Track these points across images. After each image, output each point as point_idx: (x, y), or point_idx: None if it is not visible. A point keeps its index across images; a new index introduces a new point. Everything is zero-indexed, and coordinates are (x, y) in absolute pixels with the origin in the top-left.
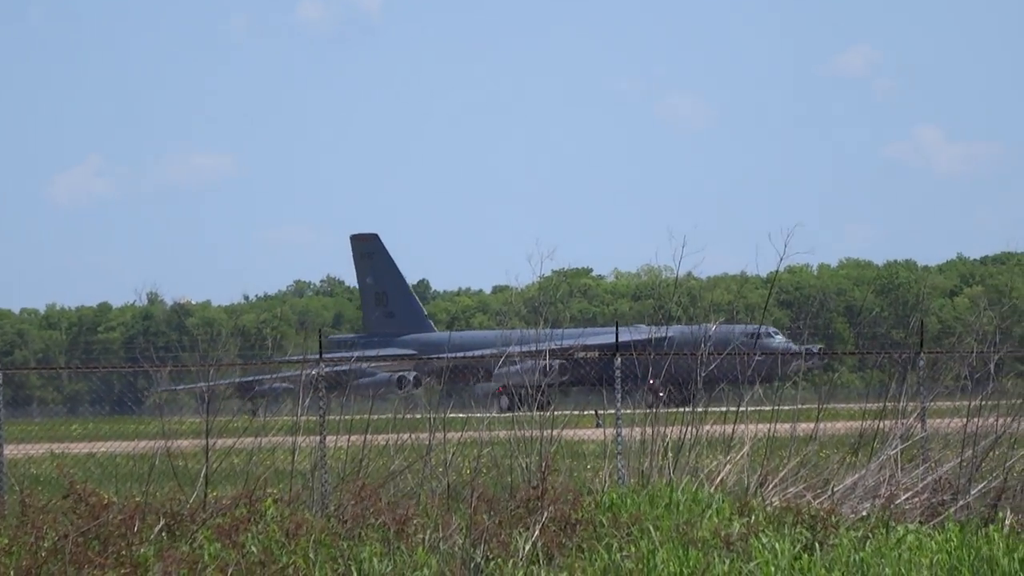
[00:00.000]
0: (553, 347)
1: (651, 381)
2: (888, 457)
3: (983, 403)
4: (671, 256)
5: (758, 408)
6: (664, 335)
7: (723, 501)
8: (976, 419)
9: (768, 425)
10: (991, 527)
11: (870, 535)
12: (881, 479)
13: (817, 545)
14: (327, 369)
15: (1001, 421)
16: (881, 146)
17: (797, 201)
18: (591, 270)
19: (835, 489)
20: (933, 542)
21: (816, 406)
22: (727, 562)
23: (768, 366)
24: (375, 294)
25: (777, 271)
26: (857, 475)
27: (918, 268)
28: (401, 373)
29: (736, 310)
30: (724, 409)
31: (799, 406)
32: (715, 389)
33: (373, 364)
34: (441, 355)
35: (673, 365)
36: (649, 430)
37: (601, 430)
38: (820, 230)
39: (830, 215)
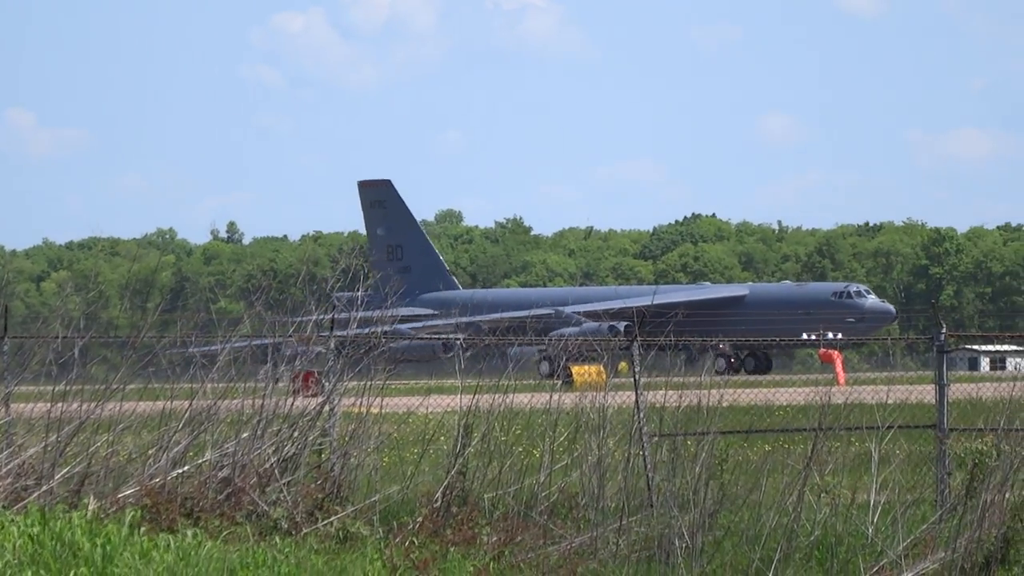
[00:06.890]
0: (620, 306)
1: (720, 346)
2: None
3: (68, 388)
4: None
5: None
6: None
7: None
8: (61, 404)
9: None
10: (75, 512)
11: None
12: None
13: None
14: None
15: (85, 406)
16: None
17: None
18: None
19: None
20: (15, 527)
21: None
22: None
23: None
24: (388, 247)
25: None
26: None
27: (5, 254)
28: (447, 337)
29: None
30: None
31: None
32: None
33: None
34: (490, 316)
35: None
36: None
37: None
38: None
39: None
